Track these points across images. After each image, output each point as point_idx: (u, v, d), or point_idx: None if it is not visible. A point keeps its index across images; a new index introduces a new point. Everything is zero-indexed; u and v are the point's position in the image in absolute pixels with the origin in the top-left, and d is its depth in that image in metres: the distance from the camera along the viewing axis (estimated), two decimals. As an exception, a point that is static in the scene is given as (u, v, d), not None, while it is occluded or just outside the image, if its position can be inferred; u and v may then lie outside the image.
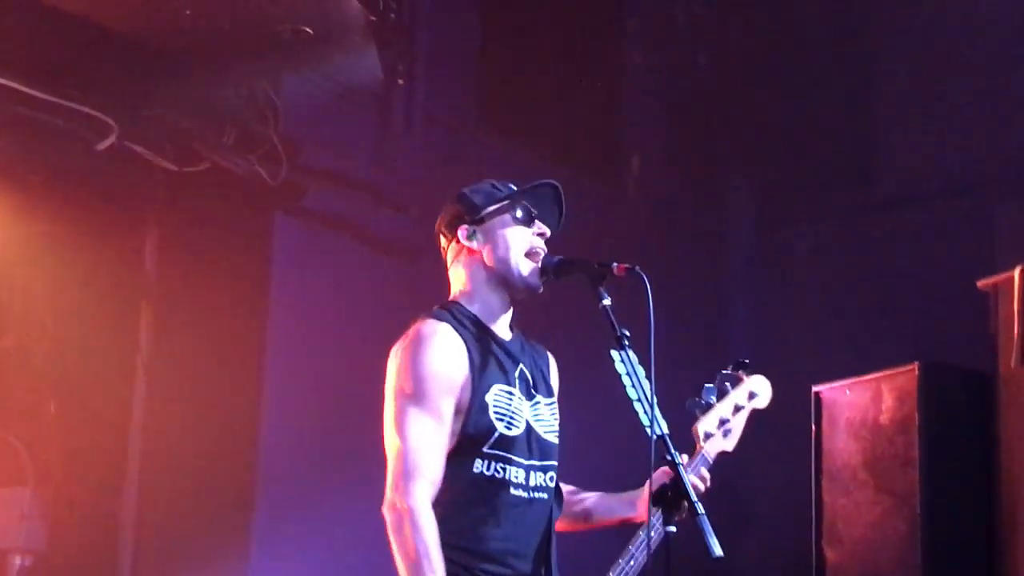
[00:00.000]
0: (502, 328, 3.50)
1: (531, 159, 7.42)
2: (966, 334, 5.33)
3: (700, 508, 3.13)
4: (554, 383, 3.63)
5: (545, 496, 3.42)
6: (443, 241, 3.59)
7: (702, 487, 3.49)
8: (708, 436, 3.60)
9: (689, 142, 8.62)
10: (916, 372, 4.96)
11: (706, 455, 3.58)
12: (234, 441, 6.15)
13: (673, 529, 3.18)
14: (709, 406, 3.63)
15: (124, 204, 6.26)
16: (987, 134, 7.95)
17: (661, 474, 3.29)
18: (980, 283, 5.01)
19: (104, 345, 6.25)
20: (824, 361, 6.04)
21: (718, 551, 3.06)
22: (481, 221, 3.50)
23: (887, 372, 5.10)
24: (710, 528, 3.09)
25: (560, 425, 3.54)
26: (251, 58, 5.90)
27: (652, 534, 3.29)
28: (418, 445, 3.27)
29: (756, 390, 3.69)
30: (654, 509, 3.22)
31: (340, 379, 6.15)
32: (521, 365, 3.48)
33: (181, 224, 6.36)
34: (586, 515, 3.62)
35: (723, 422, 3.61)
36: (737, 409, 3.65)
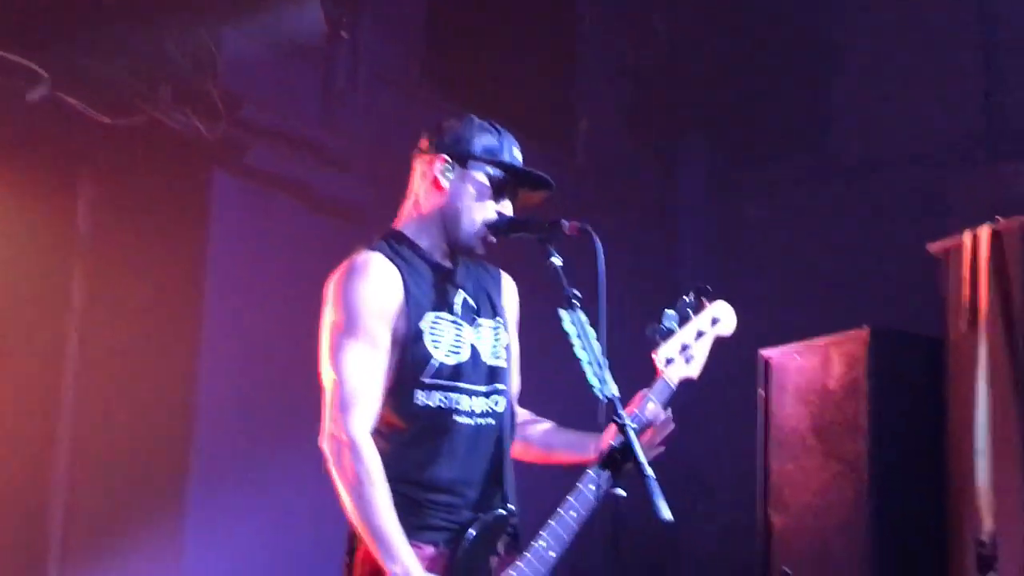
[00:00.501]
0: (444, 257, 3.44)
1: (477, 118, 7.30)
2: (918, 300, 5.29)
3: (649, 471, 3.06)
4: (508, 303, 3.54)
5: (493, 422, 3.38)
6: (422, 144, 3.49)
7: (659, 432, 3.39)
8: (670, 361, 3.53)
9: (641, 106, 8.55)
10: (865, 337, 4.91)
11: (668, 381, 3.51)
12: (170, 405, 6.03)
13: (622, 492, 3.13)
14: (670, 332, 3.54)
15: (56, 158, 6.06)
16: (940, 101, 7.95)
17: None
18: (931, 248, 4.96)
19: (35, 305, 6.08)
20: (776, 326, 5.99)
21: (667, 514, 2.98)
22: (463, 163, 3.42)
23: (836, 337, 5.05)
24: (659, 491, 3.01)
25: (509, 350, 3.46)
26: (191, 8, 5.75)
27: (594, 488, 3.23)
28: (353, 375, 3.23)
29: (719, 316, 3.61)
30: (602, 471, 3.17)
31: (280, 342, 6.04)
32: (463, 292, 3.42)
33: (116, 179, 6.19)
34: (545, 445, 3.54)
35: (685, 347, 3.53)
36: (700, 335, 3.57)
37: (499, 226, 3.42)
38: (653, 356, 3.52)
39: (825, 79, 8.42)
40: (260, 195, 6.37)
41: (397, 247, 3.37)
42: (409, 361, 3.29)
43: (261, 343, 6.17)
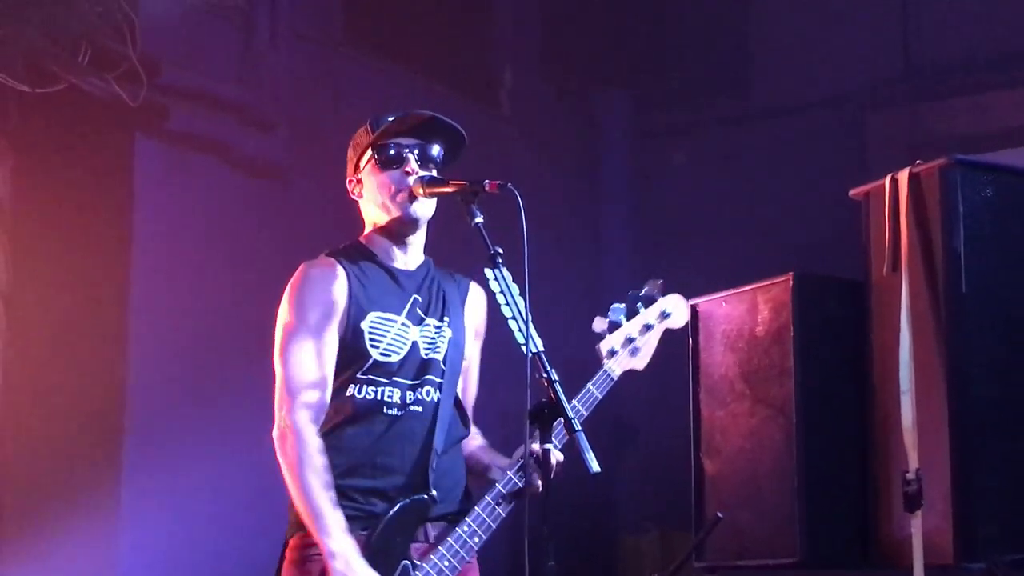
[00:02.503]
0: (404, 260, 3.56)
1: (401, 74, 7.29)
2: (842, 244, 5.35)
3: (577, 425, 3.16)
4: (471, 311, 3.65)
5: (421, 409, 3.47)
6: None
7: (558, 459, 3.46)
8: (612, 353, 3.64)
9: (563, 54, 8.55)
10: (790, 283, 4.97)
11: (609, 372, 3.62)
12: (101, 375, 6.00)
13: (550, 446, 3.22)
14: (616, 325, 3.64)
15: (-26, 129, 5.99)
16: (859, 44, 8.03)
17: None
18: (852, 192, 5.02)
19: (-42, 278, 6.00)
20: (702, 274, 6.05)
21: (595, 467, 3.09)
22: (358, 170, 3.58)
23: (762, 284, 5.10)
24: (587, 444, 3.12)
25: (452, 345, 3.57)
26: (104, -30, 5.67)
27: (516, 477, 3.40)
28: (298, 369, 3.38)
29: (670, 309, 3.72)
30: (531, 427, 3.25)
31: (209, 305, 6.03)
32: (416, 294, 3.53)
33: (37, 149, 6.12)
34: (472, 466, 3.65)
35: (630, 340, 3.63)
36: (647, 328, 3.68)
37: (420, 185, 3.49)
38: (597, 348, 3.63)
39: (747, 22, 8.47)
40: (184, 159, 6.33)
41: (352, 254, 3.53)
42: (347, 357, 3.43)
43: (191, 307, 6.14)
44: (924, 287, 4.58)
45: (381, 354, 3.42)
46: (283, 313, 3.47)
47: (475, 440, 3.68)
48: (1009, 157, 6.70)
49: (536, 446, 3.32)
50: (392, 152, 3.51)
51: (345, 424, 3.40)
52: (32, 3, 5.65)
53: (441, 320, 3.55)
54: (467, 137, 3.60)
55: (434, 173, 3.53)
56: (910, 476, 4.50)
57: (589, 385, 3.59)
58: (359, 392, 3.41)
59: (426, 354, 3.49)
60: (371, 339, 3.43)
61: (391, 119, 3.54)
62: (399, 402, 3.43)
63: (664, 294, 3.74)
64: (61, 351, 6.01)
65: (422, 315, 3.52)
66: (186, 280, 6.15)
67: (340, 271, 3.47)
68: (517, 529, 3.23)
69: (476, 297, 3.68)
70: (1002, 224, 4.60)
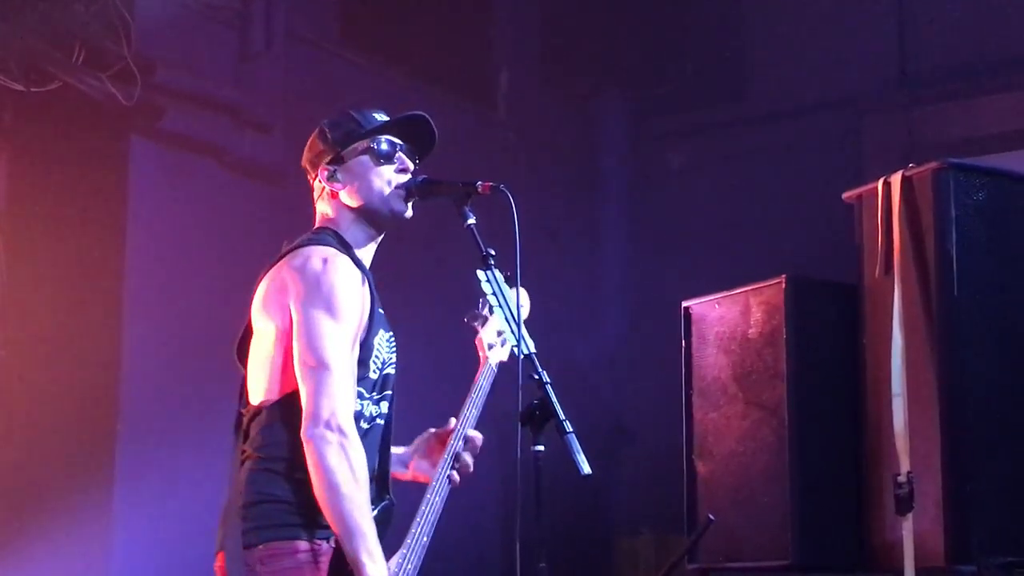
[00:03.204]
0: (367, 261, 3.48)
1: (397, 76, 7.30)
2: (836, 247, 5.36)
3: (568, 427, 3.15)
4: None
5: (381, 422, 3.43)
6: (309, 176, 3.53)
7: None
8: (490, 347, 3.69)
9: (560, 58, 8.56)
10: (783, 285, 4.97)
11: (492, 365, 3.66)
12: (94, 375, 6.00)
13: (541, 448, 3.19)
14: (485, 319, 3.69)
15: (-30, 128, 6.01)
16: (856, 48, 8.04)
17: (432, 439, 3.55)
18: (845, 196, 5.02)
19: (-47, 277, 6.01)
20: (700, 277, 6.05)
21: (586, 469, 3.09)
22: (341, 160, 3.45)
23: (755, 286, 5.10)
24: (578, 446, 3.12)
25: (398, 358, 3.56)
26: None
27: (449, 473, 3.47)
28: (343, 366, 3.26)
29: (520, 301, 3.70)
30: (523, 428, 3.23)
31: (203, 306, 6.02)
32: (378, 304, 3.47)
33: (32, 148, 6.14)
34: None
35: (499, 333, 3.67)
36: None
37: (411, 189, 3.45)
38: (477, 343, 3.67)
39: (743, 26, 8.49)
40: (178, 159, 6.33)
41: (348, 253, 3.38)
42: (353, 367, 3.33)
43: (185, 308, 6.14)
44: (916, 290, 4.59)
45: (374, 371, 3.37)
46: (322, 298, 3.26)
47: None
48: (1005, 161, 6.71)
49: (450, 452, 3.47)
50: (391, 148, 3.46)
51: None
52: (27, 2, 5.66)
53: (391, 333, 3.50)
54: (436, 145, 3.55)
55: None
56: (901, 479, 4.51)
57: (481, 381, 3.60)
58: None
59: (387, 368, 3.44)
60: (375, 356, 3.37)
61: (388, 119, 3.49)
62: (368, 415, 3.37)
63: (512, 287, 3.77)
64: (54, 352, 6.01)
65: (388, 328, 3.46)
66: (180, 281, 6.16)
67: (363, 279, 3.36)
68: (509, 531, 3.23)
69: None
70: (995, 227, 4.60)
